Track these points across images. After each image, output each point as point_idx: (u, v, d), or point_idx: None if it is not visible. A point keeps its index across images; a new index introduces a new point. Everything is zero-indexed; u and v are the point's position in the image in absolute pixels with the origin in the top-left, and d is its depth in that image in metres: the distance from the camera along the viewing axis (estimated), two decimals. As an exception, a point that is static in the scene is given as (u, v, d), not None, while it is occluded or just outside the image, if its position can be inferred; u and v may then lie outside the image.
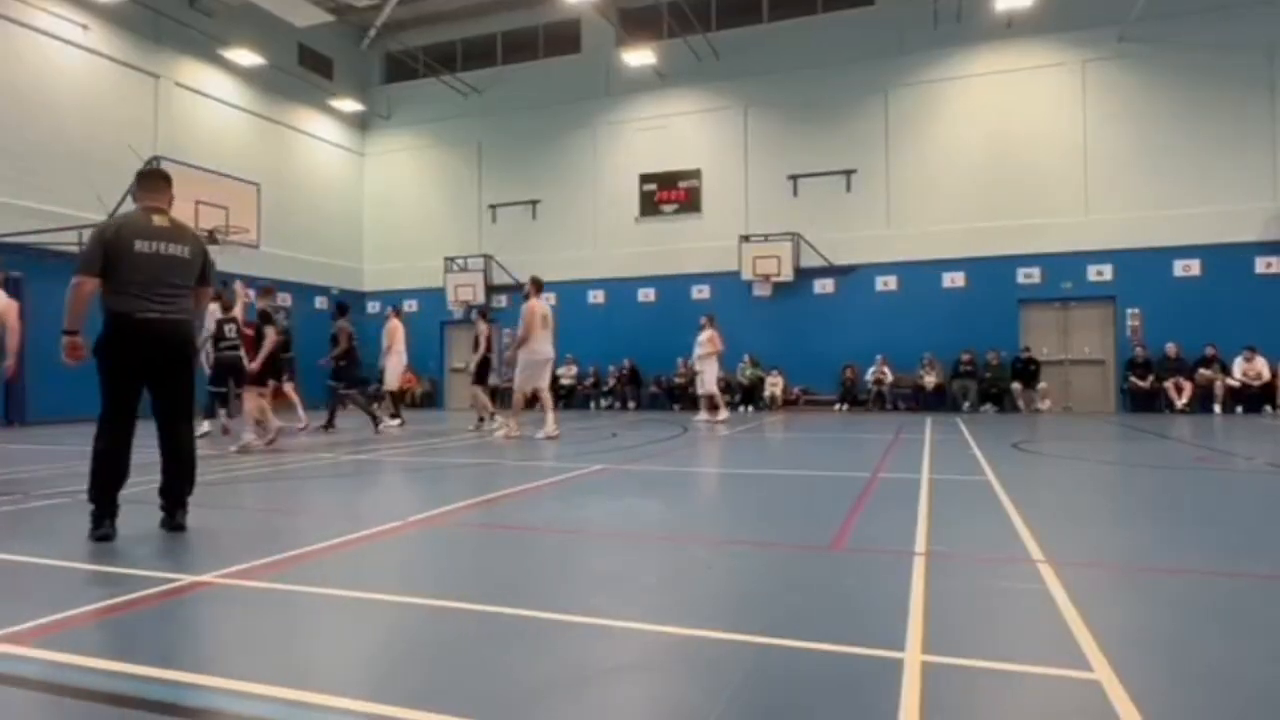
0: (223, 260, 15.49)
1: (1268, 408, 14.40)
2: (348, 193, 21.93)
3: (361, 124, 22.26)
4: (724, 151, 19.06)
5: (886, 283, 17.70)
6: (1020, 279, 16.82)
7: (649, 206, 19.63)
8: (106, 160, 14.46)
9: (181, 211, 14.99)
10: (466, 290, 20.52)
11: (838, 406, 17.10)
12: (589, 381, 19.32)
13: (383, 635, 2.66)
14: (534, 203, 20.60)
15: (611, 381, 18.95)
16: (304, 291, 20.28)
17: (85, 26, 15.21)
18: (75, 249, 14.13)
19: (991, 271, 16.82)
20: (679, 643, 2.46)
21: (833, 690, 2.08)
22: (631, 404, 18.37)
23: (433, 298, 21.22)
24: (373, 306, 22.22)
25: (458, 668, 2.27)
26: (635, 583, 3.34)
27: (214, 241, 13.55)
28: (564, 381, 19.48)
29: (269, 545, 3.76)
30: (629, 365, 18.62)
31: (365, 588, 3.06)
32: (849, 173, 17.97)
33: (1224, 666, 2.23)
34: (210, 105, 17.89)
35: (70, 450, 8.77)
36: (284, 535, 4.26)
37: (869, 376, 17.09)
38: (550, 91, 20.46)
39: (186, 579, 3.16)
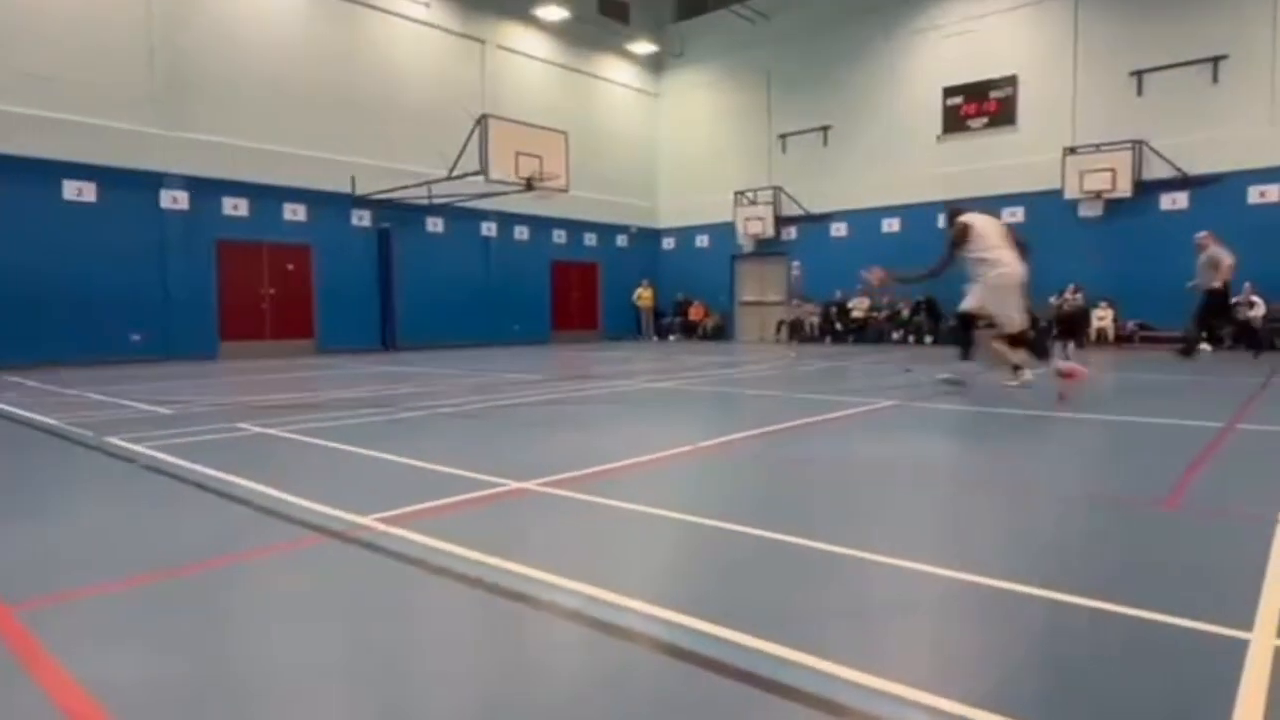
0: (538, 205, 17.24)
1: None
2: (643, 134, 22.92)
3: (655, 65, 22.96)
4: (1046, 52, 16.66)
5: (1264, 193, 14.43)
6: None
7: (953, 122, 17.93)
8: (444, 121, 16.56)
9: (502, 162, 16.49)
10: (756, 224, 20.58)
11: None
12: (884, 314, 18.55)
13: (671, 548, 2.87)
14: (825, 129, 19.85)
15: (906, 313, 18.00)
16: (607, 231, 21.79)
17: (428, 4, 17.41)
18: (425, 203, 16.57)
19: None
20: (970, 590, 2.34)
21: (1147, 663, 1.85)
22: (929, 338, 17.31)
23: (723, 232, 21.61)
24: (668, 243, 23.23)
25: (738, 586, 2.39)
26: (921, 526, 3.22)
27: (530, 188, 15.02)
28: (855, 314, 18.91)
29: (575, 461, 4.21)
30: (926, 298, 17.48)
31: (658, 504, 3.30)
32: (1216, 59, 14.76)
33: None
34: (524, 62, 19.63)
35: (427, 372, 10.48)
36: (588, 454, 4.72)
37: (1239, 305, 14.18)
38: (843, 5, 19.34)
39: (512, 484, 3.67)
